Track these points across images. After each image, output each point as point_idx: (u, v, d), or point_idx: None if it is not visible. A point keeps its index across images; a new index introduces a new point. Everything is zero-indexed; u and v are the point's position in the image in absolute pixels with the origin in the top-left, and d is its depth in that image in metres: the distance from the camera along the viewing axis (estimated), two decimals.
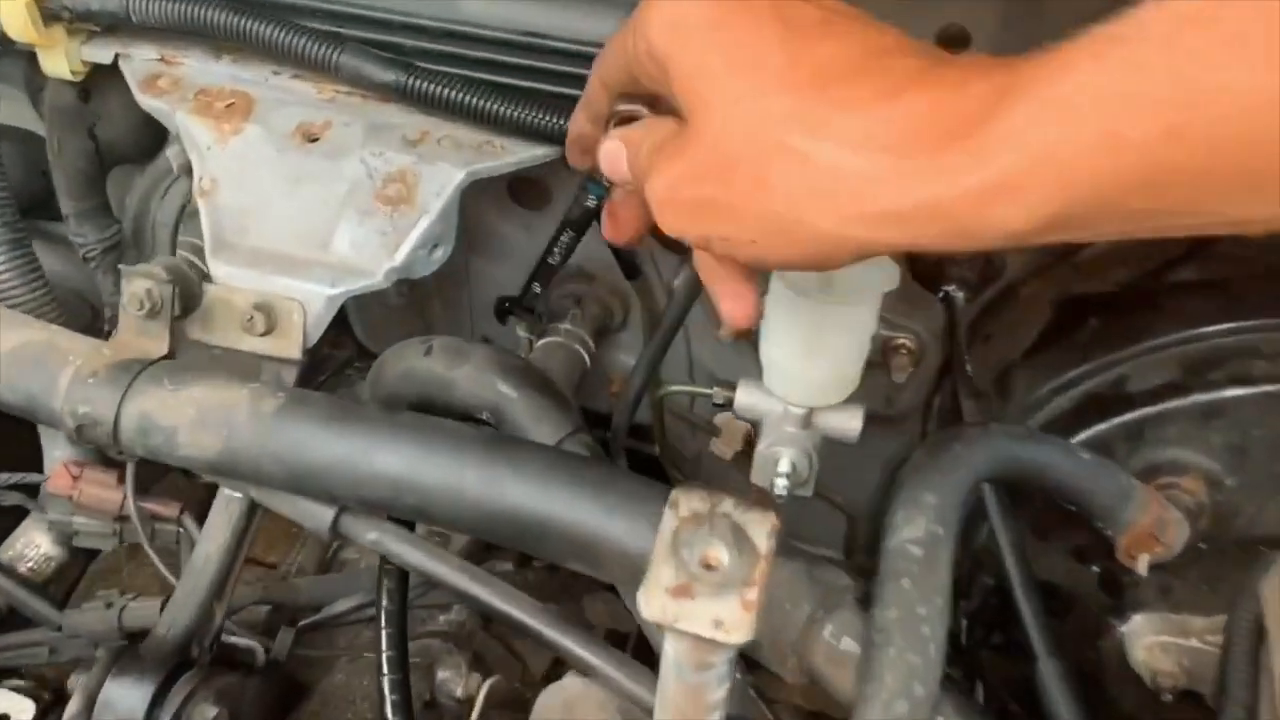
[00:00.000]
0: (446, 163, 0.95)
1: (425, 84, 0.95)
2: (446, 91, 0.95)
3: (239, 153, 0.98)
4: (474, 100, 0.95)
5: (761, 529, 0.60)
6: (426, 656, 1.22)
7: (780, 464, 0.93)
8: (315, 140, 0.98)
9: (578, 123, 0.73)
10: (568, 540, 0.81)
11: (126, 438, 0.89)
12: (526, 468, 0.83)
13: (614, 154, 0.62)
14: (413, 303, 1.17)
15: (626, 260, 1.12)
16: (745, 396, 0.97)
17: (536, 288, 1.12)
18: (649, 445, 1.30)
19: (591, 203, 1.01)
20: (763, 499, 0.62)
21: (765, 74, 0.51)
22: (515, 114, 0.94)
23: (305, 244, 0.96)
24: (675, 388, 1.09)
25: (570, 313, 1.14)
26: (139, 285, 0.91)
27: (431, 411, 1.02)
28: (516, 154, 0.96)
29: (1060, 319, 0.93)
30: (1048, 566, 0.89)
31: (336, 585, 1.29)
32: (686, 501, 0.62)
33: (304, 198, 0.97)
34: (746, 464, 1.27)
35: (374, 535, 0.91)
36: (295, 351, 0.96)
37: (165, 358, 0.93)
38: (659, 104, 0.62)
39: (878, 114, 0.48)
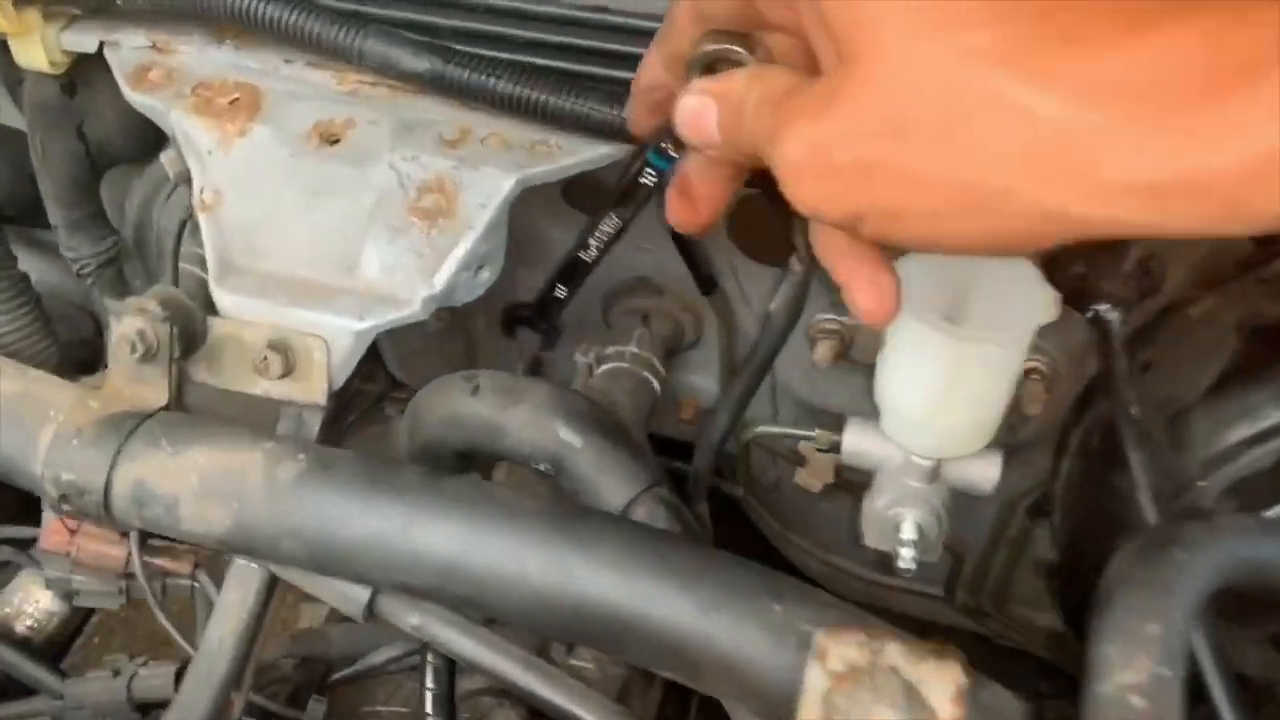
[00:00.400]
0: (493, 167, 0.80)
1: (465, 72, 0.79)
2: (491, 81, 0.79)
3: (246, 158, 0.83)
4: (524, 91, 0.79)
5: (943, 689, 0.44)
6: (476, 713, 1.08)
7: (904, 528, 0.77)
8: (336, 142, 0.82)
9: (650, 68, 0.60)
10: (654, 643, 0.65)
11: (119, 509, 0.74)
12: (600, 550, 0.67)
13: (698, 111, 0.51)
14: (453, 325, 1.01)
15: (702, 272, 0.96)
16: (856, 441, 0.81)
17: (560, 291, 0.96)
18: (720, 478, 1.15)
19: (650, 179, 0.83)
20: (940, 649, 0.46)
21: None
22: (574, 106, 0.78)
23: (327, 268, 0.81)
24: (766, 429, 0.93)
25: (636, 333, 0.98)
26: (130, 326, 0.76)
27: (481, 458, 0.87)
28: (576, 154, 0.80)
29: (1251, 350, 0.76)
30: (1241, 656, 0.73)
31: (373, 634, 1.15)
32: (837, 649, 0.46)
33: (324, 212, 0.81)
34: (840, 499, 1.13)
35: (417, 620, 0.76)
36: (319, 396, 0.80)
37: (164, 408, 0.78)
38: (758, 45, 0.52)
39: (1124, 54, 0.38)
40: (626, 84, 0.74)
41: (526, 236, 0.98)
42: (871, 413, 0.82)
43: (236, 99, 0.85)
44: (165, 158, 0.86)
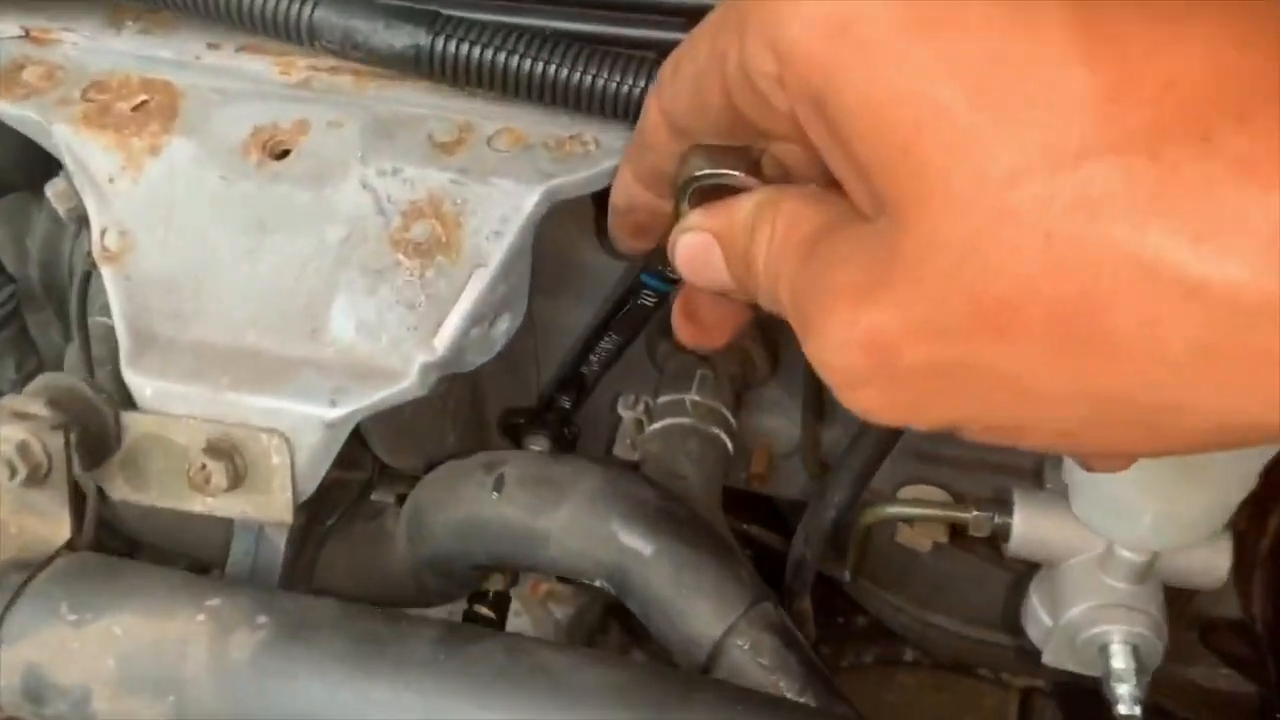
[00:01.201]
0: (508, 178, 0.57)
1: (461, 43, 0.56)
2: (498, 54, 0.56)
3: (161, 185, 0.59)
4: (545, 65, 0.56)
5: None
6: None
7: (1114, 654, 0.55)
8: (284, 155, 0.59)
9: (625, 187, 0.51)
10: None
11: (8, 702, 0.52)
12: None
13: (699, 252, 0.43)
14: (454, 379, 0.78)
15: None
16: (1032, 527, 0.59)
17: (565, 401, 0.75)
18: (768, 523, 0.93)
19: (649, 299, 0.68)
20: None
21: (1065, 110, 0.29)
22: (617, 85, 0.55)
23: (283, 333, 0.58)
24: (898, 509, 0.70)
25: (697, 374, 0.75)
26: (6, 440, 0.53)
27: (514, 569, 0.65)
28: (620, 152, 0.57)
29: None
30: None
31: None
32: None
33: (274, 254, 0.58)
34: (948, 555, 0.91)
35: None
36: (280, 513, 0.58)
37: (67, 547, 0.55)
38: (762, 155, 0.43)
39: None
40: None
41: (548, 256, 0.74)
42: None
43: (144, 103, 0.61)
44: (52, 191, 0.62)
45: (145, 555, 0.80)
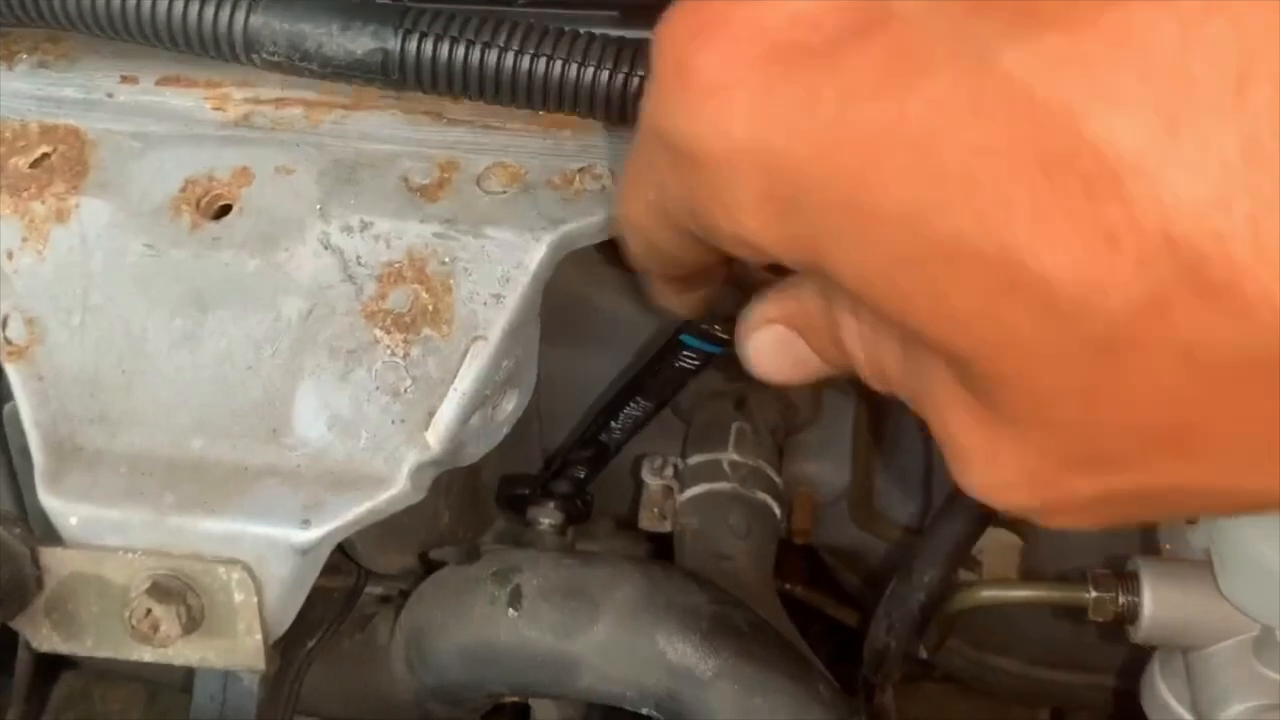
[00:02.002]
0: (506, 227, 0.46)
1: (442, 42, 0.45)
2: (492, 52, 0.44)
3: (72, 260, 0.48)
4: (550, 66, 0.44)
5: None
6: None
7: None
8: (224, 212, 0.48)
9: (635, 222, 0.37)
10: None
11: None
12: None
13: (779, 350, 0.36)
14: None
15: None
16: (1166, 607, 0.48)
17: (580, 471, 0.63)
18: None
19: (689, 363, 0.57)
20: None
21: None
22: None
23: (237, 436, 0.46)
24: (999, 593, 0.59)
25: (733, 429, 0.64)
26: None
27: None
28: None
29: None
30: None
31: None
32: None
33: (218, 337, 0.47)
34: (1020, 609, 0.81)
35: None
36: (249, 659, 0.46)
37: None
38: None
39: None
40: None
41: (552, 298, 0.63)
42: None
43: (45, 156, 0.49)
44: None
45: None
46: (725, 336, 0.43)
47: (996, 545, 0.73)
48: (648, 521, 0.65)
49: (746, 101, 0.27)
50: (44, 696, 0.90)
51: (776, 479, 0.64)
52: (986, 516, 0.51)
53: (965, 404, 0.28)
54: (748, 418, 0.65)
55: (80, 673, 0.96)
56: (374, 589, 0.64)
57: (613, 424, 0.60)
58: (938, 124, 0.24)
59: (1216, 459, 0.25)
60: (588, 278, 0.64)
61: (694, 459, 0.64)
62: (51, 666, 0.91)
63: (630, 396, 0.58)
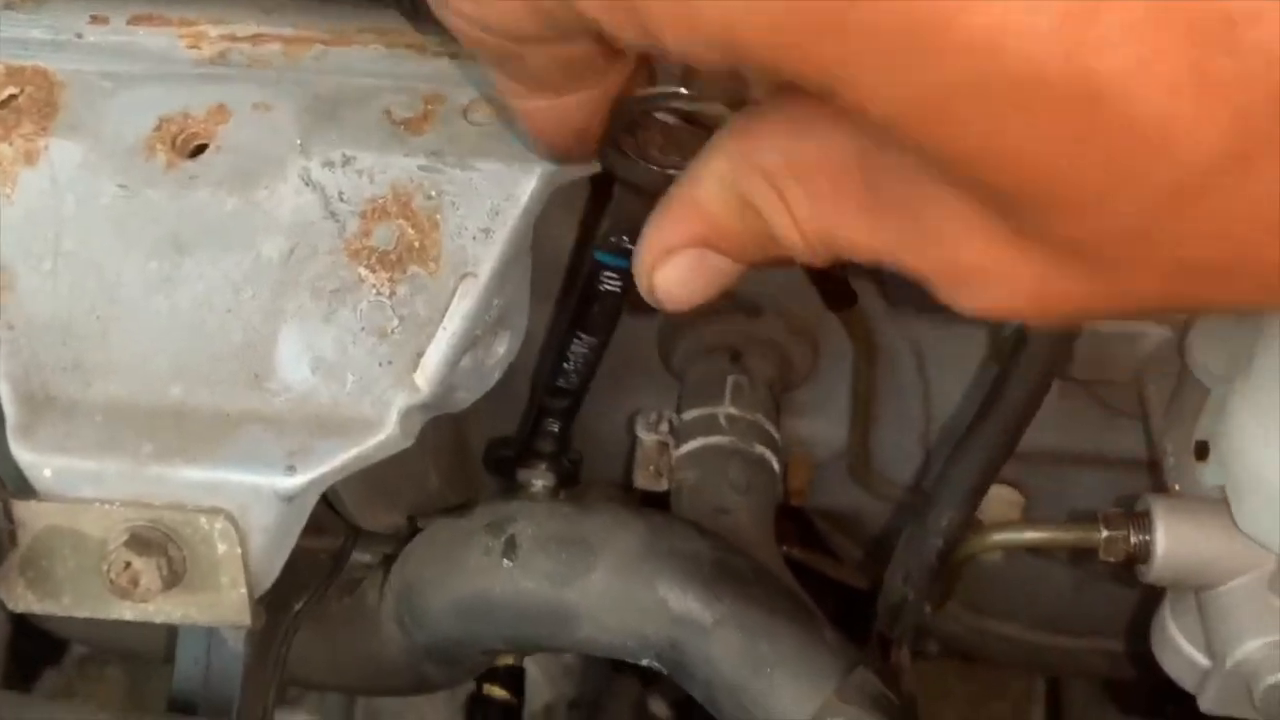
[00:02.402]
0: (495, 158, 0.44)
1: None
2: None
3: (42, 204, 0.46)
4: None
5: None
6: None
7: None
8: (200, 151, 0.46)
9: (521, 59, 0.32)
10: None
11: None
12: None
13: (694, 275, 0.33)
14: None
15: (825, 271, 0.60)
16: (1181, 543, 0.47)
17: (553, 424, 0.61)
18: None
19: (614, 284, 0.54)
20: None
21: None
22: None
23: (218, 382, 0.45)
24: (1010, 535, 0.57)
25: (729, 381, 0.63)
26: None
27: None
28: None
29: None
30: None
31: None
32: None
33: (196, 281, 0.45)
34: (1018, 563, 0.80)
35: None
36: (235, 614, 0.44)
37: None
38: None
39: None
40: None
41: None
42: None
43: (12, 98, 0.47)
44: None
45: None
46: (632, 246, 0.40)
47: (998, 501, 0.72)
48: (643, 480, 0.64)
49: None
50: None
51: (775, 433, 0.63)
52: (1003, 455, 0.50)
53: (986, 232, 0.26)
54: (744, 371, 0.63)
55: (61, 670, 0.95)
56: (362, 556, 0.62)
57: (565, 365, 0.57)
58: None
59: (1258, 286, 0.25)
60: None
61: (689, 414, 0.63)
62: (33, 663, 0.89)
63: (572, 333, 0.56)
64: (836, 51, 0.23)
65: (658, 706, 0.98)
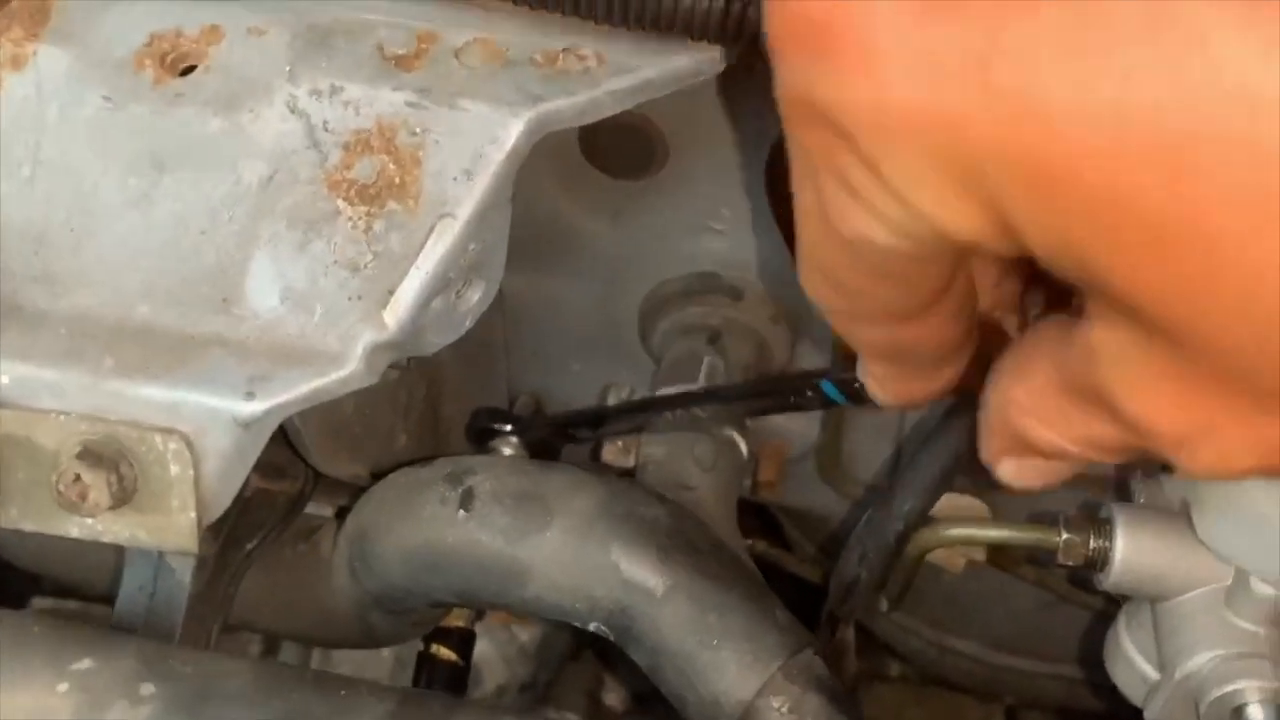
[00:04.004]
0: (483, 100, 0.44)
1: None
2: None
3: (25, 109, 0.46)
4: None
5: None
6: None
7: (1250, 718, 0.43)
8: (189, 70, 0.46)
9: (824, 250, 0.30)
10: None
11: None
12: None
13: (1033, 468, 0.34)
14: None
15: None
16: (1140, 551, 0.46)
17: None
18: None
19: (807, 403, 0.51)
20: None
21: None
22: None
23: (186, 302, 0.44)
24: (968, 531, 0.57)
25: (705, 362, 0.62)
26: None
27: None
28: (633, 72, 0.44)
29: None
30: None
31: None
32: None
33: (173, 201, 0.45)
34: (984, 578, 0.79)
35: None
36: (181, 539, 0.44)
37: None
38: None
39: None
40: None
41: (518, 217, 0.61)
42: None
43: (6, 1, 0.47)
44: None
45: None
46: (861, 394, 0.38)
47: (961, 511, 0.71)
48: (611, 455, 0.63)
49: (904, 60, 0.24)
50: None
51: (745, 419, 0.63)
52: (971, 450, 0.49)
53: (1178, 394, 0.26)
54: (721, 353, 0.63)
55: None
56: (320, 510, 0.62)
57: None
58: (1136, 101, 0.22)
59: None
60: (567, 194, 0.62)
61: (664, 392, 0.62)
62: None
63: (702, 400, 0.54)
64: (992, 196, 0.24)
65: (612, 699, 0.98)
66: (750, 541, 0.78)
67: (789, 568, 0.77)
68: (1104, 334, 0.27)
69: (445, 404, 0.71)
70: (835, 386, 0.46)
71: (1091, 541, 0.49)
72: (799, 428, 0.72)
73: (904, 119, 0.24)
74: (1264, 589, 0.45)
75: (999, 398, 0.33)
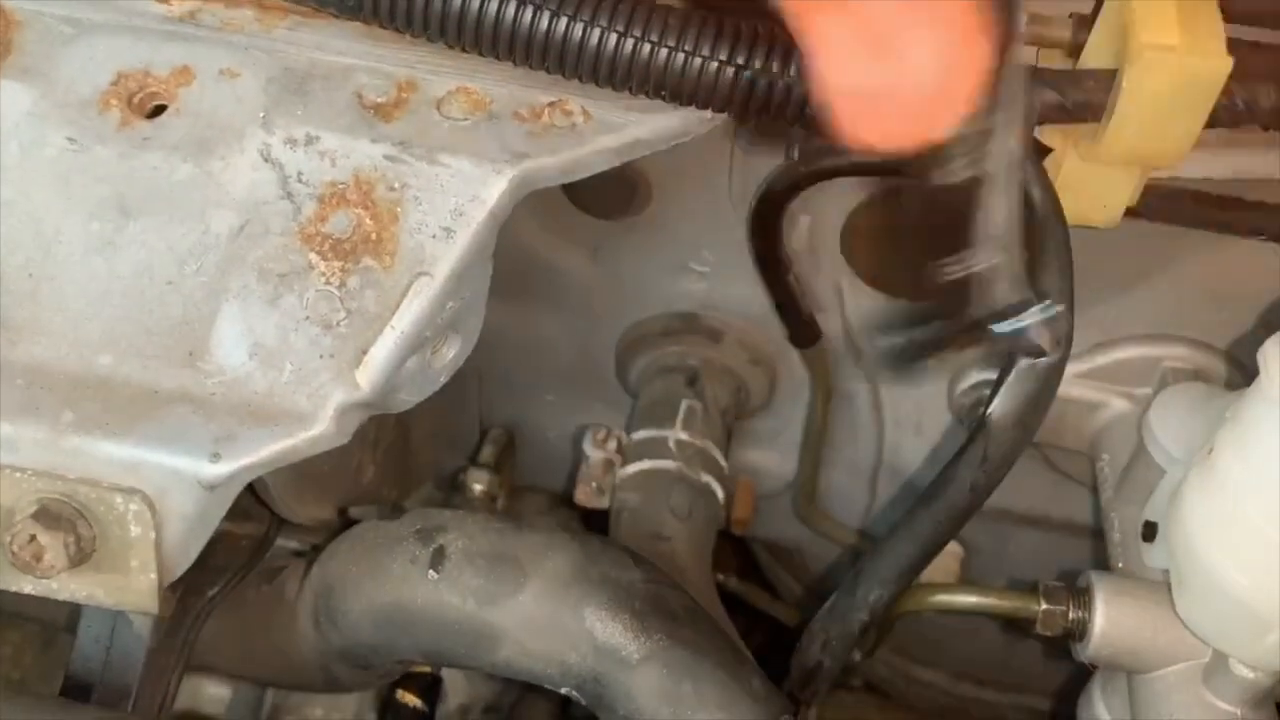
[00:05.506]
0: (465, 156, 0.42)
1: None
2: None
3: None
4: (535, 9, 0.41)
5: None
6: None
7: None
8: (158, 112, 0.44)
9: None
10: None
11: None
12: None
13: None
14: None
15: (792, 307, 0.59)
16: (1118, 626, 0.46)
17: None
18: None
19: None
20: None
21: None
22: (636, 44, 0.41)
23: (150, 356, 0.43)
24: (946, 598, 0.56)
25: (683, 405, 0.61)
26: None
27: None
28: (621, 131, 0.43)
29: None
30: None
31: None
32: None
33: (139, 247, 0.43)
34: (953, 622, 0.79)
35: None
36: (141, 600, 0.42)
37: None
38: None
39: None
40: None
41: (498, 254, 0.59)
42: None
43: None
44: None
45: None
46: None
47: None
48: (584, 496, 0.62)
49: None
50: None
51: (723, 463, 0.62)
52: (943, 539, 0.48)
53: None
54: (698, 396, 0.62)
55: None
56: (287, 543, 0.60)
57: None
58: None
59: None
60: (546, 228, 0.61)
61: (639, 434, 0.61)
62: None
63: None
64: None
65: None
66: (723, 577, 0.77)
67: (761, 606, 0.77)
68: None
69: (415, 433, 0.70)
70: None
71: (1071, 612, 0.49)
72: (774, 466, 0.71)
73: None
74: (1243, 671, 0.45)
75: None
